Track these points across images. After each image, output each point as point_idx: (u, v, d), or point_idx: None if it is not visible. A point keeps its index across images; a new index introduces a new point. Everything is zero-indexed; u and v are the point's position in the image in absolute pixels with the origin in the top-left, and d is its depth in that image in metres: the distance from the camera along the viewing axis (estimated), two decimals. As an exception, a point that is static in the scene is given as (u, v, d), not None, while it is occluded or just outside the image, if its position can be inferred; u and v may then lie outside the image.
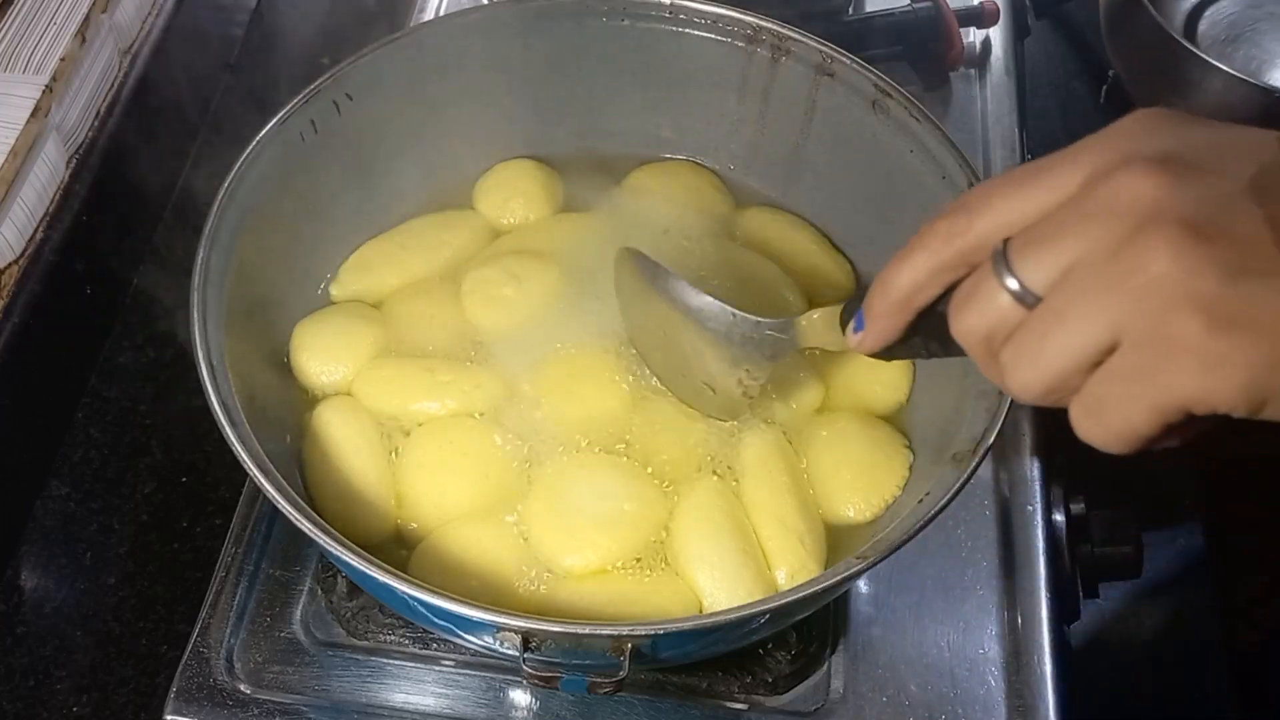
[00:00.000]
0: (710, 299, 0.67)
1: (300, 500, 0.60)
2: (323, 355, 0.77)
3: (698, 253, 0.82)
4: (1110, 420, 0.40)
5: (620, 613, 0.67)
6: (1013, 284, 0.41)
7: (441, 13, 1.07)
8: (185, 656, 0.74)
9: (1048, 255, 0.40)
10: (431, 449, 0.73)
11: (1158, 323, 0.37)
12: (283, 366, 0.77)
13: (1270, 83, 1.00)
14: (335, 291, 0.81)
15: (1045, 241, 0.41)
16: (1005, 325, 0.42)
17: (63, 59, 0.85)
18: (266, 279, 0.75)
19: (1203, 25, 1.07)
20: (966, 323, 0.43)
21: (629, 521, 0.70)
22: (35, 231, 0.85)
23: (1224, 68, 0.96)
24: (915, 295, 0.47)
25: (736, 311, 0.66)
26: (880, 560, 0.58)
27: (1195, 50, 0.98)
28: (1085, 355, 0.39)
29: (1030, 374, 0.41)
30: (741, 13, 0.79)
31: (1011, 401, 0.61)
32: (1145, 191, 0.38)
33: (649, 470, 0.73)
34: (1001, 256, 0.42)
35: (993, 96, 1.03)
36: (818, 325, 0.61)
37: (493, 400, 0.75)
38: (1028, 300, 0.41)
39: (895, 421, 0.76)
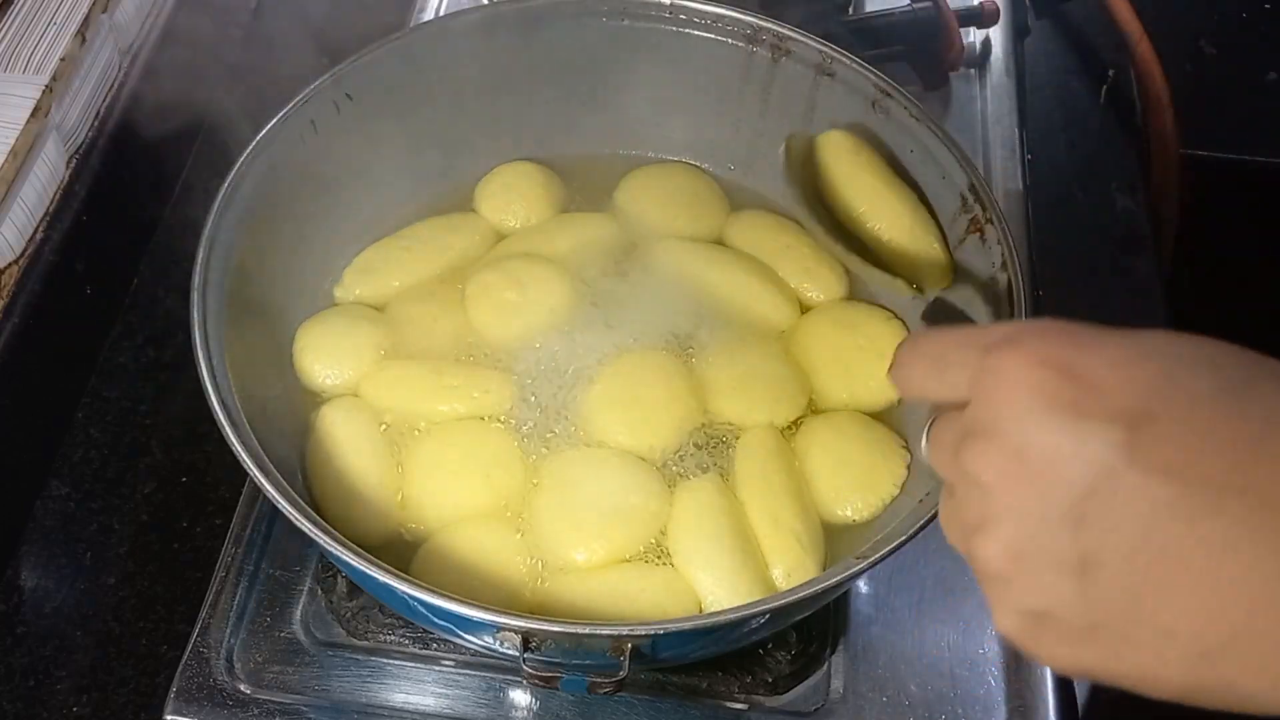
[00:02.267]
0: None
1: (300, 500, 0.60)
2: (327, 356, 0.77)
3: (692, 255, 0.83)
4: None
5: (621, 613, 0.67)
6: None
7: (441, 13, 1.07)
8: (185, 656, 0.74)
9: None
10: (436, 451, 0.73)
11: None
12: (284, 367, 0.77)
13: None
14: (338, 293, 0.81)
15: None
16: None
17: (63, 59, 0.85)
18: (267, 280, 0.75)
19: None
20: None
21: (636, 515, 0.70)
22: (35, 231, 0.85)
23: None
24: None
25: None
26: (880, 560, 0.58)
27: None
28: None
29: None
30: (741, 13, 0.79)
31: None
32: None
33: (650, 465, 0.73)
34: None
35: (993, 96, 1.03)
36: None
37: (499, 404, 0.75)
38: None
39: (891, 422, 0.76)
